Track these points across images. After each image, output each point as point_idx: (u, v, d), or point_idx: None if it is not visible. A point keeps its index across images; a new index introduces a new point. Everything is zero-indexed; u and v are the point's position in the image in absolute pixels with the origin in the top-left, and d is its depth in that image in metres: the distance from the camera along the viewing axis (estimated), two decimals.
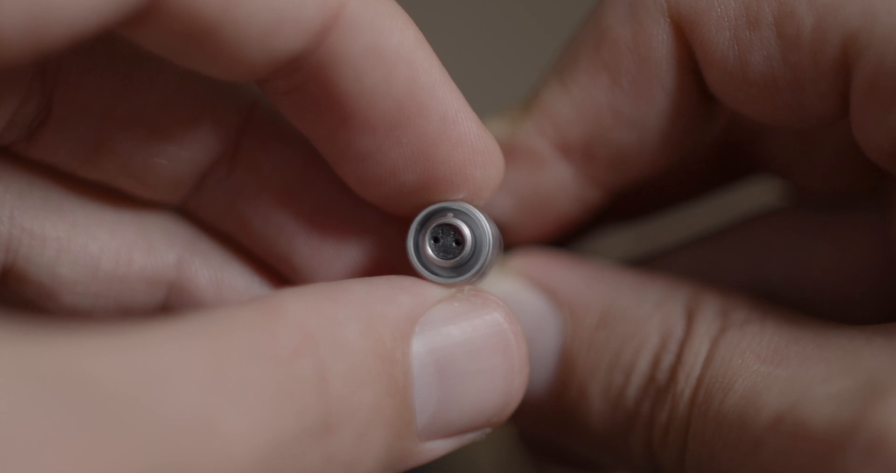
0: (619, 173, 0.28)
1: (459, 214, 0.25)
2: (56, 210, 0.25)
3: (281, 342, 0.19)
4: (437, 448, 0.23)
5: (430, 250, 0.24)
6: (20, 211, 0.25)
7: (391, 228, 0.26)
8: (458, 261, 0.24)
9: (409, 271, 0.25)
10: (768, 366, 0.24)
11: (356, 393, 0.20)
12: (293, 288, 0.21)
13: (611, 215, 0.33)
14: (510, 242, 0.30)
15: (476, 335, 0.23)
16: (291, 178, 0.26)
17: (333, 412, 0.20)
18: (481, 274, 0.25)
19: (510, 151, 0.28)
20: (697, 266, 0.30)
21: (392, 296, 0.22)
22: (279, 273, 0.27)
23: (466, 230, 0.24)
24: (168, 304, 0.27)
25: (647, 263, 0.31)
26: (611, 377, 0.26)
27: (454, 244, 0.24)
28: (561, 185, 0.28)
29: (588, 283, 0.28)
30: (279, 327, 0.20)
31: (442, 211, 0.25)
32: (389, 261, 0.26)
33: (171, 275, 0.26)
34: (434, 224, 0.25)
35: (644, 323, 0.26)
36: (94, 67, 0.24)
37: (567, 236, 0.32)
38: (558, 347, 0.27)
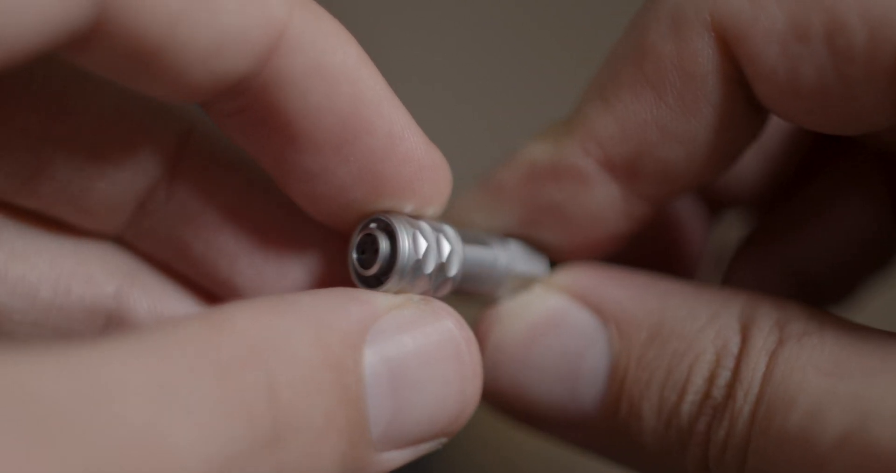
0: (667, 188, 0.28)
1: (383, 225, 0.25)
2: None
3: (227, 354, 0.19)
4: (394, 458, 0.23)
5: (354, 261, 0.25)
6: None
7: (334, 243, 0.26)
8: (377, 272, 0.25)
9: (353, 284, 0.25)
10: (831, 380, 0.23)
11: (307, 403, 0.20)
12: (241, 301, 0.21)
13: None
14: (560, 261, 0.30)
15: (427, 342, 0.23)
16: (231, 200, 0.26)
17: (284, 422, 0.20)
18: (438, 286, 0.26)
19: (554, 171, 0.28)
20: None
21: (341, 306, 0.22)
22: (221, 299, 0.27)
23: (382, 241, 0.25)
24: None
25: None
26: (663, 395, 0.26)
27: (374, 255, 0.25)
28: (608, 203, 0.28)
29: (636, 297, 0.27)
30: (225, 339, 0.20)
31: (372, 223, 0.25)
32: (334, 277, 0.26)
33: (110, 305, 0.27)
34: (359, 237, 0.25)
35: (696, 338, 0.26)
36: (30, 86, 0.24)
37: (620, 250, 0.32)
38: (608, 364, 0.27)
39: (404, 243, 0.25)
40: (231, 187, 0.26)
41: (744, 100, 0.26)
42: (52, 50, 0.20)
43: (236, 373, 0.19)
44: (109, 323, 0.27)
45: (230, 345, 0.20)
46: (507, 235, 0.29)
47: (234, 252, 0.26)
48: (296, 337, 0.21)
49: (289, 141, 0.24)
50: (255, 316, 0.21)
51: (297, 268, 0.26)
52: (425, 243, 0.25)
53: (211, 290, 0.27)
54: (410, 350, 0.23)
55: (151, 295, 0.27)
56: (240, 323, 0.20)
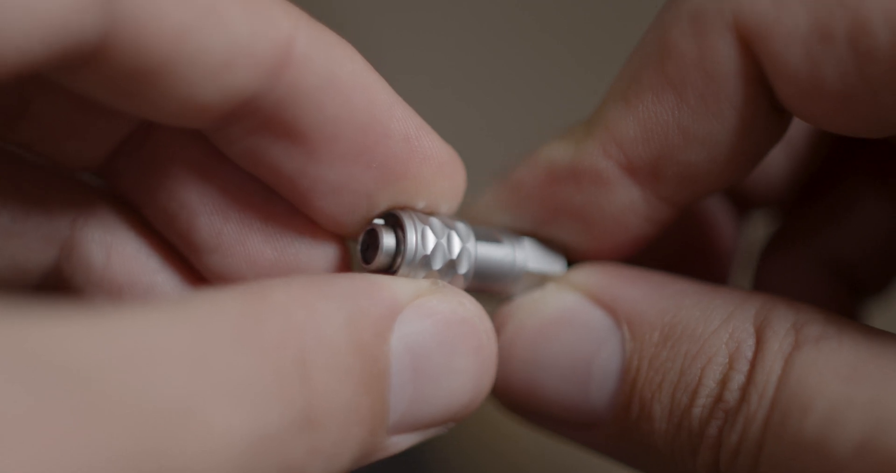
0: (689, 191, 0.28)
1: (391, 221, 0.26)
2: None
3: (266, 332, 0.19)
4: (402, 442, 0.23)
5: (359, 256, 0.26)
6: None
7: (297, 217, 0.26)
8: (381, 266, 0.25)
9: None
10: (849, 386, 0.23)
11: (338, 388, 0.21)
12: (280, 279, 0.22)
13: None
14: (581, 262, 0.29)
15: (450, 333, 0.24)
16: (201, 158, 0.26)
17: (315, 406, 0.20)
18: (449, 282, 0.26)
19: (574, 173, 0.28)
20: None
21: (372, 292, 0.23)
22: (174, 247, 0.27)
23: (386, 237, 0.25)
24: (59, 264, 0.27)
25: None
26: (674, 397, 0.26)
27: (376, 250, 0.25)
28: (629, 206, 0.28)
29: (649, 297, 0.27)
30: (265, 315, 0.20)
31: (381, 219, 0.26)
32: (296, 250, 0.26)
33: (64, 235, 0.27)
34: (365, 231, 0.26)
35: (709, 340, 0.25)
36: None
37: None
38: (620, 364, 0.27)
39: (412, 238, 0.25)
40: (205, 143, 0.26)
41: (766, 101, 0.26)
42: (54, 66, 0.20)
43: (273, 352, 0.19)
44: (62, 252, 0.27)
45: (269, 322, 0.20)
46: (526, 234, 0.29)
47: (194, 209, 0.26)
48: (332, 321, 0.21)
49: (308, 156, 0.24)
50: (292, 294, 0.21)
51: (256, 237, 0.27)
52: (434, 240, 0.25)
53: (167, 238, 0.27)
54: (434, 341, 0.23)
55: (105, 228, 0.27)
56: (279, 300, 0.20)
